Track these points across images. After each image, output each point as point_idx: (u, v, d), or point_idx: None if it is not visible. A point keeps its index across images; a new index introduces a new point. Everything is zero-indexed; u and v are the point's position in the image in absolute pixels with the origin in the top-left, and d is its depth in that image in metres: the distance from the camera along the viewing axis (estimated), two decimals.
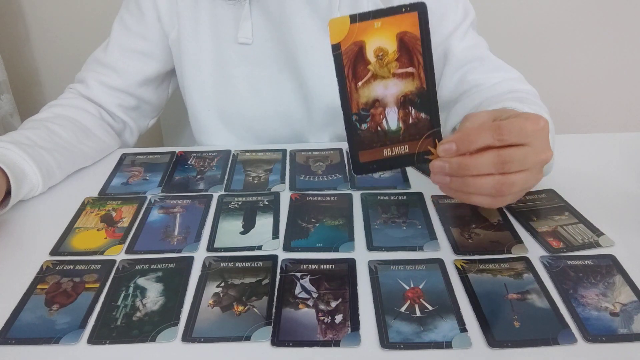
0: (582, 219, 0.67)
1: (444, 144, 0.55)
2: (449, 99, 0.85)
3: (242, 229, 0.67)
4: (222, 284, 0.58)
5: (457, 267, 0.60)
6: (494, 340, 0.51)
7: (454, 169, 0.54)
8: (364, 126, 0.57)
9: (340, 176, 0.78)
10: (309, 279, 0.59)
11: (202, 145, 0.97)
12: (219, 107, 0.91)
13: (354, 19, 0.53)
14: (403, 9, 0.54)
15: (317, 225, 0.68)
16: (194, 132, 0.97)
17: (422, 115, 0.57)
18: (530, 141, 0.53)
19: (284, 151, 0.85)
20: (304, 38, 0.85)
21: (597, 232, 0.65)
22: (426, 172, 0.70)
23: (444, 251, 0.63)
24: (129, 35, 0.89)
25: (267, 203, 0.72)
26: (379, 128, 0.57)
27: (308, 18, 0.84)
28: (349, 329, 0.53)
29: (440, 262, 0.61)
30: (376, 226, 0.67)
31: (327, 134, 0.93)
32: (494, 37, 1.00)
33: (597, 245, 0.63)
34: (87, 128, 0.84)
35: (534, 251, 0.62)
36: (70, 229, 0.68)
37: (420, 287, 0.57)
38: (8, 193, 0.69)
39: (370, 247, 0.64)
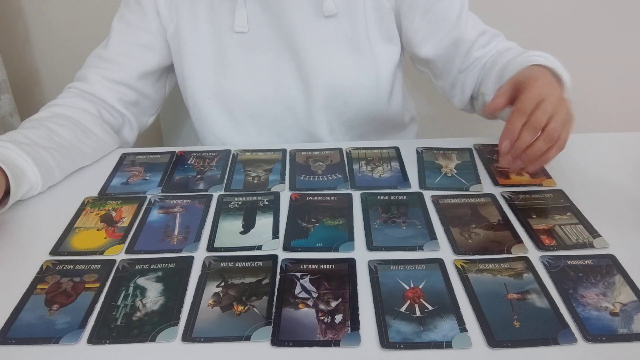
0: (582, 220, 0.67)
1: (501, 145, 0.68)
2: (460, 71, 0.93)
3: (242, 229, 0.67)
4: (222, 284, 0.58)
5: (457, 267, 0.60)
6: (494, 340, 0.51)
7: (515, 154, 0.68)
8: None
9: (340, 176, 0.78)
10: (309, 279, 0.59)
11: (204, 137, 0.97)
12: (220, 95, 0.91)
13: None
14: None
15: (317, 225, 0.68)
16: (195, 123, 0.97)
17: None
18: (544, 96, 0.67)
19: (284, 151, 0.85)
20: (298, 19, 0.87)
21: (595, 234, 0.65)
22: None
23: (444, 251, 0.63)
24: (130, 30, 0.90)
25: (267, 203, 0.72)
26: None
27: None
28: (349, 328, 0.53)
29: (440, 262, 0.61)
30: (376, 226, 0.67)
31: (327, 116, 0.93)
32: None
33: (591, 246, 0.63)
34: (86, 127, 0.84)
35: (533, 250, 0.62)
36: (70, 229, 0.68)
37: (420, 287, 0.57)
38: (7, 192, 0.69)
39: (370, 247, 0.64)
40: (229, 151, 0.86)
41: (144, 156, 0.85)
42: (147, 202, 0.73)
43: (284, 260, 0.62)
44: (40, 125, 0.79)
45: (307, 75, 0.89)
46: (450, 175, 0.78)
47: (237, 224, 0.68)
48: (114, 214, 0.71)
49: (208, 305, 0.56)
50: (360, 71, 0.90)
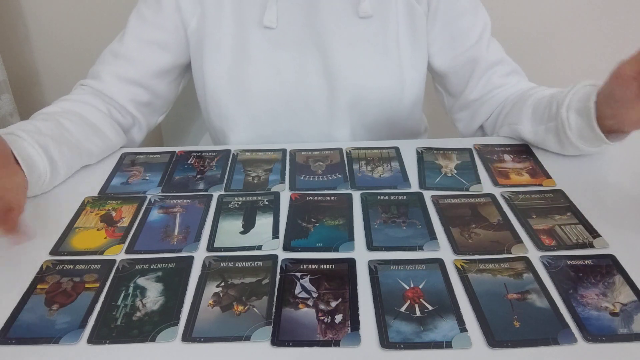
0: (582, 220, 0.67)
1: None
2: (475, 98, 0.94)
3: (242, 229, 0.67)
4: (222, 284, 0.58)
5: (457, 267, 0.60)
6: (494, 340, 0.51)
7: None
8: None
9: (340, 176, 0.78)
10: (309, 279, 0.59)
11: (220, 132, 0.96)
12: (241, 90, 0.90)
13: None
14: None
15: (317, 225, 0.68)
16: (211, 118, 0.96)
17: None
18: None
19: (284, 151, 0.85)
20: (331, 18, 0.87)
21: (595, 234, 0.65)
22: None
23: (444, 251, 0.63)
24: (145, 26, 0.90)
25: (267, 203, 0.72)
26: None
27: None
28: (349, 328, 0.53)
29: (440, 262, 0.61)
30: (376, 226, 0.67)
31: (349, 117, 0.92)
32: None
33: (591, 246, 0.63)
34: (96, 126, 0.83)
35: (533, 250, 0.62)
36: (70, 229, 0.68)
37: (420, 287, 0.57)
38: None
39: (370, 247, 0.64)
40: (228, 151, 0.86)
41: (144, 156, 0.85)
42: (147, 202, 0.73)
43: (284, 260, 0.62)
44: (51, 118, 0.79)
45: (334, 74, 0.89)
46: (450, 175, 0.78)
47: (237, 224, 0.68)
48: (114, 213, 0.71)
49: (208, 305, 0.56)
50: (386, 75, 0.90)
